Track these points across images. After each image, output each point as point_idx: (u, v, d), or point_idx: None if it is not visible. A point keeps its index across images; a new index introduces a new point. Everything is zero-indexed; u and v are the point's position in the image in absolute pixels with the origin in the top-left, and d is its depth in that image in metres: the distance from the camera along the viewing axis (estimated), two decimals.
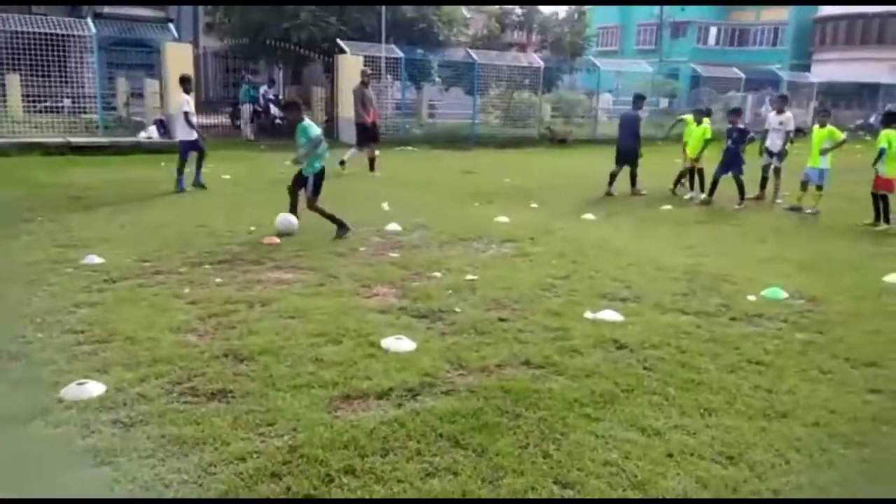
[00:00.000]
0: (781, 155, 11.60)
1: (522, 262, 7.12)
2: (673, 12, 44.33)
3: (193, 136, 11.18)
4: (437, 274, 6.44)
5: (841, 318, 5.36)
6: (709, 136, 11.96)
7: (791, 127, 11.72)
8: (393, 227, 8.54)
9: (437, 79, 25.61)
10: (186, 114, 11.01)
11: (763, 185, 11.84)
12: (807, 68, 41.11)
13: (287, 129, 21.09)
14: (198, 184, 11.32)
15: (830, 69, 39.35)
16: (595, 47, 41.25)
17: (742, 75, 28.88)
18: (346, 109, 20.86)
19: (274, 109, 21.10)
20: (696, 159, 12.11)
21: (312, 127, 7.99)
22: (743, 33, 48.31)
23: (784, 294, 5.93)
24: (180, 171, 11.09)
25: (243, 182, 12.08)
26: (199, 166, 11.40)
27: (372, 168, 13.90)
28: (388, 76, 22.88)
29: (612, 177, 12.23)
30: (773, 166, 11.67)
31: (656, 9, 43.62)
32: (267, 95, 21.81)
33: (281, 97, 22.48)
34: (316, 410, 3.57)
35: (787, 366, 4.35)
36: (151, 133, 16.92)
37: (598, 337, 4.78)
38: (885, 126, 9.99)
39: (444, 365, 4.21)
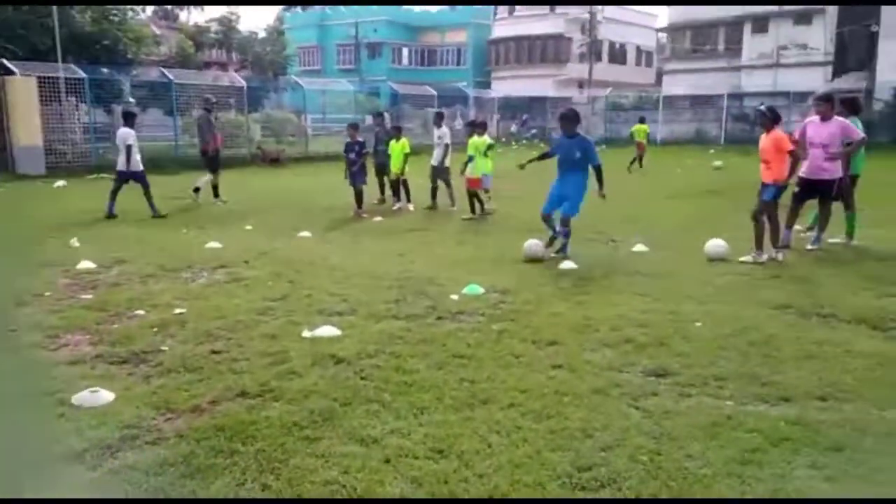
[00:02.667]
0: (442, 166, 12.49)
1: (237, 287, 6.87)
2: (367, 33, 46.47)
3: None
4: (141, 312, 5.92)
5: (528, 307, 6.05)
6: (407, 150, 12.77)
7: (448, 140, 12.70)
8: (85, 264, 7.67)
9: (131, 100, 23.66)
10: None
11: (436, 196, 12.67)
12: (488, 85, 46.00)
13: None
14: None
15: (507, 85, 44.54)
16: (298, 66, 41.58)
17: (434, 93, 31.34)
18: (25, 136, 18.21)
19: None
20: (401, 172, 12.84)
21: None
22: (431, 54, 52.49)
23: (481, 290, 6.52)
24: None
25: None
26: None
27: (217, 195, 13.60)
28: (72, 98, 20.55)
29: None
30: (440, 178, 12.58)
31: (352, 30, 45.36)
32: None
33: None
34: None
35: (485, 356, 4.78)
36: None
37: (315, 355, 4.79)
38: (469, 135, 11.88)
39: (149, 412, 3.87)
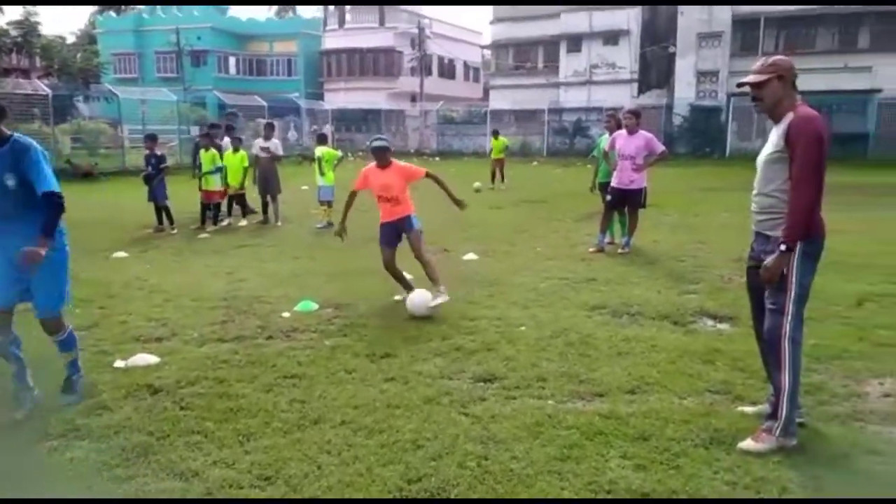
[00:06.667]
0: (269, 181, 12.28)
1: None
2: (190, 41, 44.19)
3: None
4: None
5: (362, 320, 6.01)
6: (246, 163, 12.28)
7: (280, 152, 12.74)
8: None
9: None
10: None
11: (267, 209, 12.49)
12: (321, 97, 45.51)
13: None
14: None
15: (340, 97, 44.34)
16: (112, 74, 38.65)
17: (264, 103, 30.47)
18: None
19: None
20: (241, 186, 12.32)
21: None
22: (260, 63, 50.97)
23: (315, 305, 6.39)
24: None
25: None
26: None
27: None
28: None
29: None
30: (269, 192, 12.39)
31: (172, 37, 42.89)
32: None
33: None
34: None
35: (317, 373, 4.67)
36: None
37: (129, 386, 4.43)
38: (205, 148, 12.09)
39: None
